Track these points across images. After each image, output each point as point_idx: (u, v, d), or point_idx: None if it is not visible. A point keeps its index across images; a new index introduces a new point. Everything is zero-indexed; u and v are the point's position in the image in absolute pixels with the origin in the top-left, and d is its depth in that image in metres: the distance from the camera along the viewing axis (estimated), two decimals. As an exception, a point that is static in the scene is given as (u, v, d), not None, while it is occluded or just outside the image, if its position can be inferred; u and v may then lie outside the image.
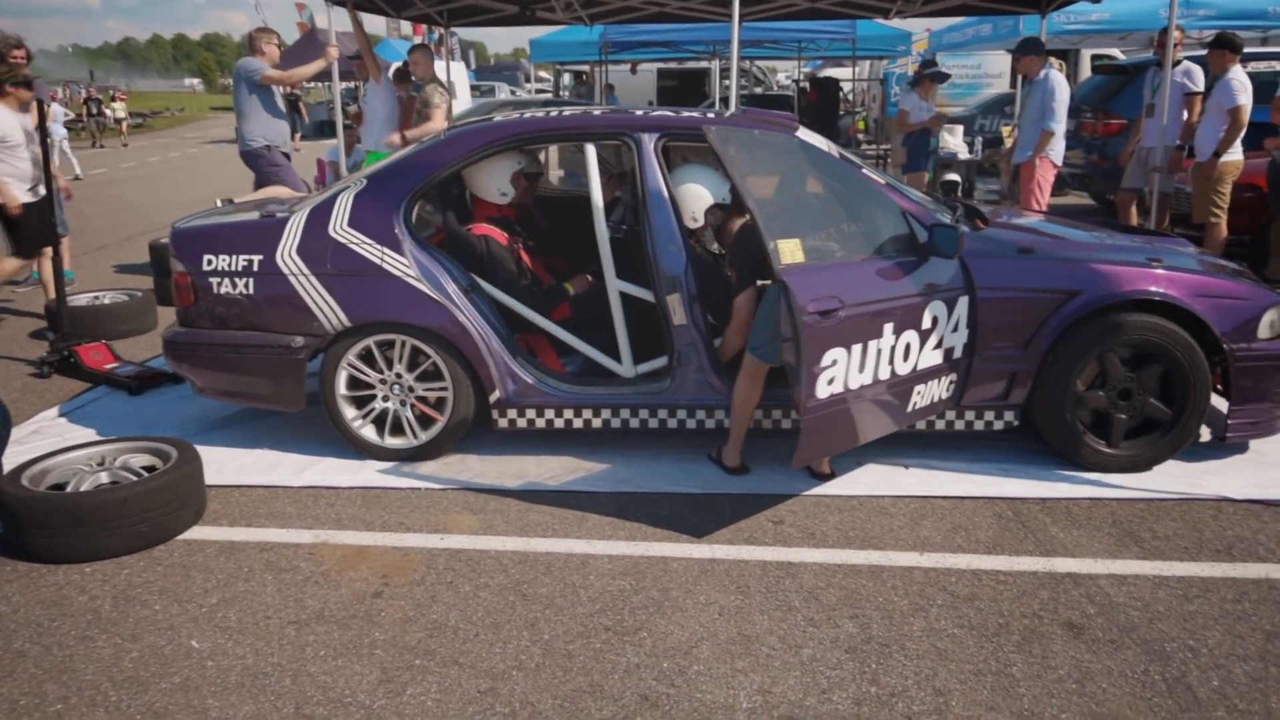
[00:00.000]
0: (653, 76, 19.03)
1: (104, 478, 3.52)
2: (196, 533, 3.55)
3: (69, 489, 3.44)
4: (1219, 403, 4.07)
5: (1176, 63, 7.38)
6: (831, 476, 3.94)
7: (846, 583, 3.15)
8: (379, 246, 4.03)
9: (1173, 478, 3.91)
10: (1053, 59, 7.63)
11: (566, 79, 21.22)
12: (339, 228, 4.06)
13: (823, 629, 2.89)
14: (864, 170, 4.05)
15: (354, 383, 4.14)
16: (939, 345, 3.72)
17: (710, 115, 4.29)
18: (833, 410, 3.33)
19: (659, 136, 4.07)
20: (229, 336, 4.14)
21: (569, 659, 2.75)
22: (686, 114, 4.23)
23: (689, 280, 3.97)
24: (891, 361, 3.51)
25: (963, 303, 3.80)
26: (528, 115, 4.27)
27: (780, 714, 2.50)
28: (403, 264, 4.01)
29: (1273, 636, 2.82)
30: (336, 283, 4.02)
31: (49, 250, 6.26)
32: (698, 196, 4.23)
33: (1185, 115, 7.48)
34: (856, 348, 3.34)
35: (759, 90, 20.61)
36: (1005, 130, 9.58)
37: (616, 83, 17.77)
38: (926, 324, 3.63)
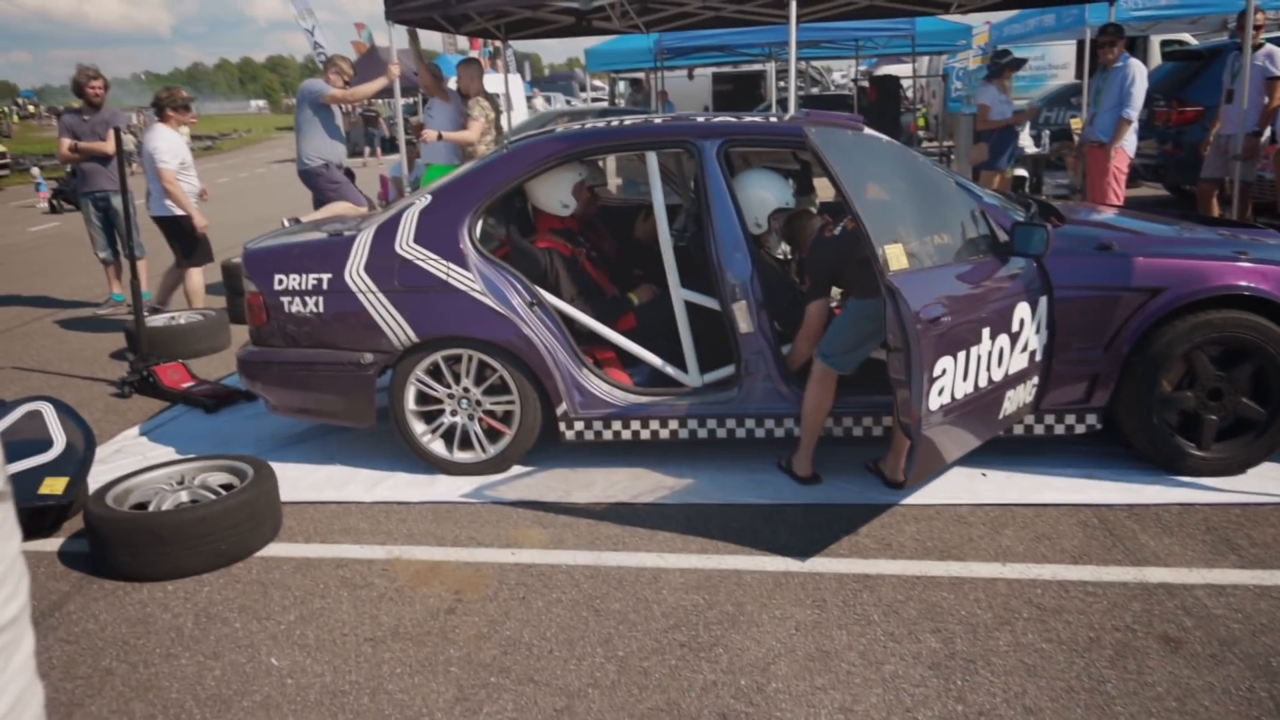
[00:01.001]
0: (708, 81, 18.97)
1: (184, 497, 3.59)
2: (273, 549, 3.60)
3: (151, 508, 3.52)
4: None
5: (1258, 46, 7.10)
6: (905, 484, 3.84)
7: (927, 595, 3.06)
8: (444, 262, 4.05)
9: (1269, 480, 3.74)
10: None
11: (621, 87, 21.27)
12: (405, 244, 4.09)
13: (904, 644, 2.81)
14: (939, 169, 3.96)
15: (422, 398, 4.16)
16: (1025, 349, 3.61)
17: (771, 119, 4.23)
18: (943, 422, 3.23)
19: (721, 143, 4.02)
20: (301, 354, 4.20)
21: (645, 676, 2.71)
22: (748, 119, 4.18)
23: (755, 287, 3.91)
24: (989, 368, 3.41)
25: (1042, 303, 3.68)
26: (588, 126, 4.26)
27: (864, 733, 2.44)
28: (468, 279, 4.03)
29: (1388, 650, 2.66)
30: (404, 299, 4.06)
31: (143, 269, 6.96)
32: (761, 202, 4.17)
33: (1265, 101, 7.19)
34: (961, 355, 3.24)
35: (815, 90, 20.41)
36: (1074, 123, 9.29)
37: (671, 89, 17.75)
38: (1015, 327, 3.52)
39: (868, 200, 3.28)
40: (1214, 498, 3.63)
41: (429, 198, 4.19)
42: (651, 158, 4.11)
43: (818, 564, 3.29)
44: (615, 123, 4.27)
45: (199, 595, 3.29)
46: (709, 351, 4.13)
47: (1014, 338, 3.54)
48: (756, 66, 19.39)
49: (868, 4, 9.42)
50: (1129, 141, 7.16)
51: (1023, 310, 3.57)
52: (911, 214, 3.56)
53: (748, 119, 4.18)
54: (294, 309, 4.17)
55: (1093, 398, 3.85)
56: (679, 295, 4.08)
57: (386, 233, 4.14)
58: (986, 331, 3.39)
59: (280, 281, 4.18)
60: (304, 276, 4.16)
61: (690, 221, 4.84)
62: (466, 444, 4.18)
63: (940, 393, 3.20)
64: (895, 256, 3.16)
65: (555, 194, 4.39)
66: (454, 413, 4.16)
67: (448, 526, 3.73)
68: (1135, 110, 7.00)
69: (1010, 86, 8.06)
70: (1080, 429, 3.92)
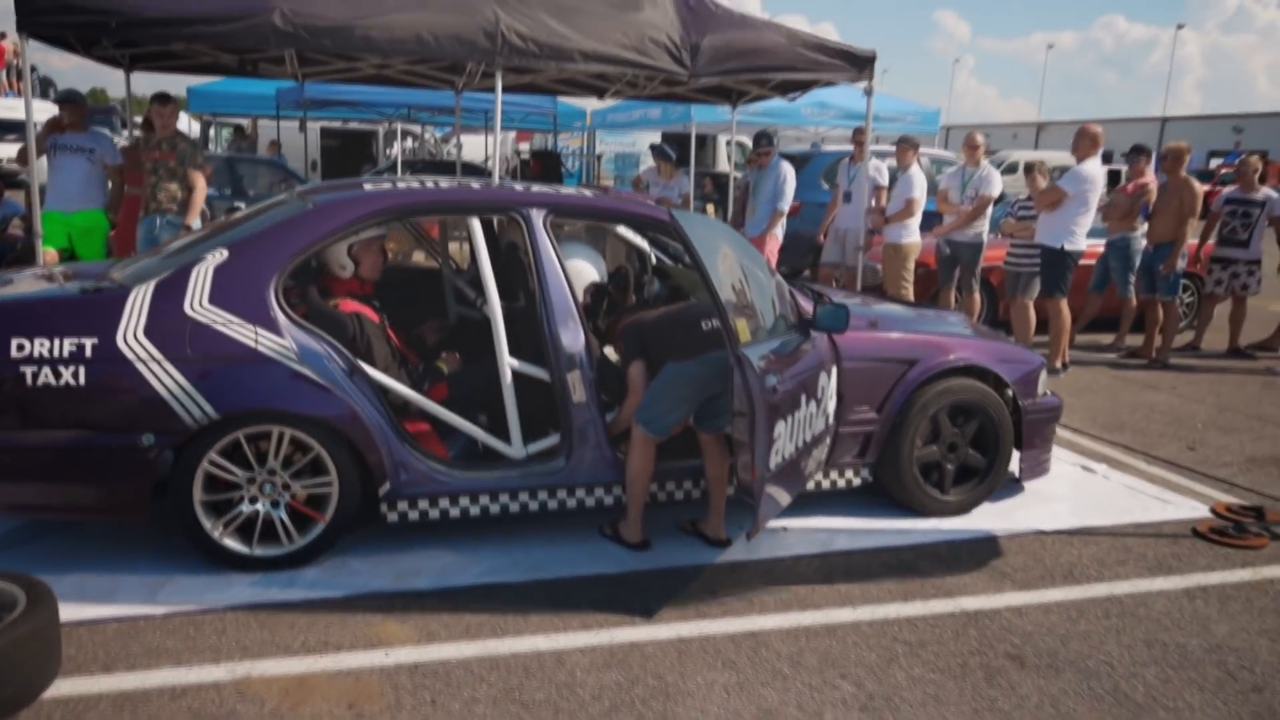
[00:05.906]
0: (315, 135, 18.13)
1: (-67, 633, 2.69)
2: (65, 687, 2.82)
3: (-117, 654, 2.59)
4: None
5: (837, 155, 8.63)
6: (728, 543, 4.08)
7: (814, 644, 3.31)
8: (251, 326, 3.53)
9: (992, 517, 4.56)
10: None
11: (213, 132, 19.52)
12: (198, 304, 3.50)
13: (825, 692, 3.02)
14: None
15: (212, 483, 3.55)
16: (824, 413, 4.06)
17: (588, 194, 4.33)
18: (776, 479, 3.50)
19: (546, 213, 4.02)
20: (48, 438, 3.36)
21: (620, 764, 2.61)
22: (566, 192, 4.24)
23: (586, 357, 3.94)
24: (804, 430, 3.77)
25: (834, 372, 4.18)
26: (402, 185, 4.00)
27: (850, 781, 2.59)
28: (282, 346, 3.55)
29: (1150, 643, 3.43)
30: (199, 369, 3.45)
31: None
32: (578, 273, 4.23)
33: (874, 203, 8.75)
34: (789, 419, 3.56)
35: (431, 156, 20.50)
36: (709, 209, 10.47)
37: (278, 139, 16.73)
38: (819, 393, 3.95)
39: (721, 280, 3.52)
40: (963, 535, 4.36)
41: (224, 252, 3.63)
42: (475, 224, 3.98)
43: (702, 627, 3.39)
44: (431, 184, 4.07)
45: (-10, 762, 2.49)
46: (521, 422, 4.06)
47: (818, 403, 3.99)
48: (365, 127, 19.01)
49: (528, 81, 9.79)
50: (780, 229, 8.29)
51: (823, 379, 4.04)
52: (747, 292, 3.87)
53: (566, 192, 4.24)
54: (41, 381, 3.34)
55: (867, 454, 4.44)
56: (507, 365, 3.96)
57: (171, 290, 3.51)
58: (804, 398, 3.79)
59: (20, 348, 3.33)
60: (56, 341, 3.36)
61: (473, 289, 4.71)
62: (268, 536, 3.63)
63: (776, 453, 3.52)
64: (743, 330, 3.44)
65: (336, 254, 4.04)
66: (254, 499, 3.60)
67: (283, 633, 3.21)
68: (787, 203, 8.16)
69: (675, 174, 8.92)
70: (856, 482, 4.48)
